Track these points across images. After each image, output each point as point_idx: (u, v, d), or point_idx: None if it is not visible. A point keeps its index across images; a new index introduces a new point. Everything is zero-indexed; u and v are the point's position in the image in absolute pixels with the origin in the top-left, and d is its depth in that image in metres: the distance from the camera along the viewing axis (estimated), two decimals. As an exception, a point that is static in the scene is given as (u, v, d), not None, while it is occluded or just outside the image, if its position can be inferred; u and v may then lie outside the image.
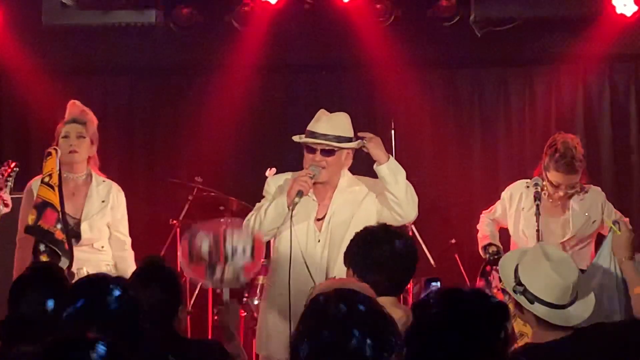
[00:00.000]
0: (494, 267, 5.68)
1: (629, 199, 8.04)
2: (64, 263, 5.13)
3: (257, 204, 5.18)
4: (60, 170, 5.31)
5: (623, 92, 8.32)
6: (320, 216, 5.06)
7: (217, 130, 8.14)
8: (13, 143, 8.35)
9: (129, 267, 5.56)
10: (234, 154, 8.21)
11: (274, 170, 5.84)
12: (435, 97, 8.31)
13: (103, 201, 5.61)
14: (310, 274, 4.77)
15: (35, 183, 5.46)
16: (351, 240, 4.09)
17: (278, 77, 8.49)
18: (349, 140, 5.06)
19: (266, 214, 4.97)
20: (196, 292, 7.48)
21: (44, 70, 8.06)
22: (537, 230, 5.53)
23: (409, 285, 5.28)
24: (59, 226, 5.17)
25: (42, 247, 5.13)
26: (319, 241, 5.00)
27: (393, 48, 8.00)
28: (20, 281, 3.63)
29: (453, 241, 7.73)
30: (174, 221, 7.63)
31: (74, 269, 5.27)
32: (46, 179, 5.25)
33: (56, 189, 5.23)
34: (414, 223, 7.49)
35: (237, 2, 7.83)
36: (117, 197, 5.68)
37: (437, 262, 7.04)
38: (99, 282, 3.00)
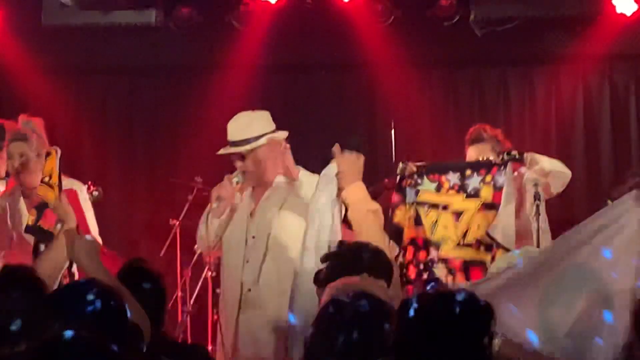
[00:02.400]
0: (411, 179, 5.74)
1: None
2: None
3: (206, 209, 5.30)
4: (60, 170, 5.31)
5: (623, 92, 8.33)
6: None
7: (217, 130, 8.09)
8: (13, 143, 8.34)
9: None
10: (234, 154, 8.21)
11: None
12: (435, 97, 8.31)
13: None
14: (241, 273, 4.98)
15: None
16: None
17: (278, 77, 8.48)
18: (257, 138, 5.08)
19: (211, 223, 5.15)
20: (196, 292, 7.49)
21: (44, 70, 8.06)
22: (537, 230, 5.53)
23: (408, 286, 5.27)
24: (59, 226, 5.17)
25: (42, 248, 5.13)
26: (253, 237, 5.09)
27: (393, 48, 8.00)
28: None
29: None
30: (174, 221, 7.63)
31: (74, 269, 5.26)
32: (46, 179, 5.24)
33: (56, 189, 5.22)
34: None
35: (237, 2, 7.83)
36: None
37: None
38: (80, 289, 2.94)
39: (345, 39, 7.93)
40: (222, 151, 5.19)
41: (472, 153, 6.01)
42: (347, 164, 4.59)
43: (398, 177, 5.75)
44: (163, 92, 8.39)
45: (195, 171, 7.83)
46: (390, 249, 4.46)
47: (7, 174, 5.65)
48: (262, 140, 5.08)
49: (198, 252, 7.65)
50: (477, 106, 8.37)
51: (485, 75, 8.37)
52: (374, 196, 7.65)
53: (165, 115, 8.36)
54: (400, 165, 5.80)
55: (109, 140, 8.23)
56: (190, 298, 7.46)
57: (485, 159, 5.87)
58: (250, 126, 5.14)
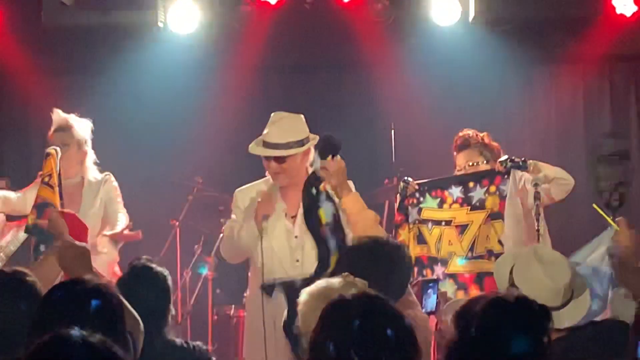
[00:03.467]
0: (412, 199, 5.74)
1: (629, 199, 8.03)
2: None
3: (228, 222, 5.37)
4: (60, 170, 5.32)
5: (623, 92, 8.33)
6: (293, 214, 5.21)
7: (217, 130, 8.14)
8: (13, 143, 8.35)
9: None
10: (234, 154, 8.21)
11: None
12: (435, 97, 8.31)
13: (94, 198, 5.69)
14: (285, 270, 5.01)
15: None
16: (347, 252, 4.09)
17: (278, 77, 8.49)
18: (301, 143, 5.16)
19: (240, 238, 5.17)
20: (196, 292, 7.49)
21: (44, 70, 8.06)
22: (537, 231, 5.53)
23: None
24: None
25: (42, 248, 5.14)
26: (296, 237, 5.16)
27: (393, 48, 8.00)
28: None
29: (453, 241, 7.74)
30: (174, 221, 7.63)
31: None
32: (46, 179, 5.25)
33: (56, 189, 5.24)
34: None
35: (237, 2, 7.83)
36: (107, 188, 5.79)
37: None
38: (78, 289, 2.93)
39: (345, 39, 7.93)
40: (264, 153, 5.20)
41: (461, 160, 6.02)
42: (335, 173, 4.61)
43: (400, 197, 5.77)
44: (163, 92, 8.38)
45: (195, 171, 7.83)
46: None
47: None
48: (306, 146, 5.17)
49: (198, 252, 7.67)
50: (477, 106, 8.37)
51: (484, 75, 8.36)
52: (375, 197, 7.68)
53: (164, 115, 8.35)
54: (402, 184, 5.83)
55: (109, 140, 8.22)
56: (190, 298, 7.47)
57: (474, 164, 5.89)
58: (294, 130, 5.20)
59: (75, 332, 2.20)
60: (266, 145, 5.20)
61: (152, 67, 8.12)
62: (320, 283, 3.30)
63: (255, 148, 5.25)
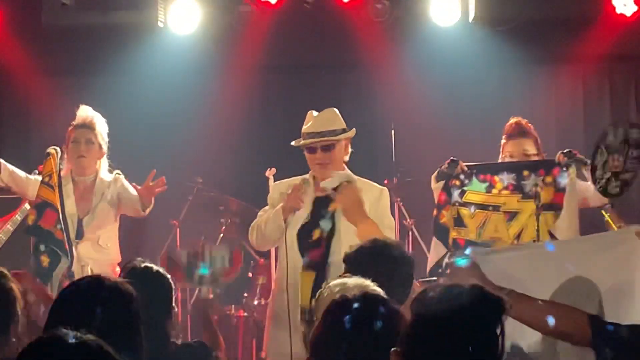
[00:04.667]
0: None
1: (629, 199, 8.03)
2: (64, 263, 5.15)
3: (260, 212, 5.34)
4: (60, 170, 5.32)
5: (623, 92, 8.33)
6: None
7: (217, 130, 8.14)
8: (13, 143, 8.35)
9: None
10: (234, 154, 8.21)
11: (274, 170, 5.86)
12: (435, 97, 8.30)
13: (103, 194, 5.70)
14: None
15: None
16: (356, 250, 4.10)
17: (278, 77, 8.48)
18: (344, 131, 5.23)
19: (266, 227, 5.15)
20: (196, 292, 7.48)
21: (44, 70, 8.06)
22: (537, 230, 5.52)
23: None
24: (59, 226, 5.19)
25: (42, 248, 5.15)
26: None
27: (393, 48, 8.00)
28: None
29: (453, 241, 7.74)
30: (174, 221, 7.63)
31: (78, 265, 5.30)
32: (46, 179, 5.26)
33: (56, 189, 5.24)
34: (415, 223, 7.51)
35: (237, 2, 7.83)
36: (118, 186, 5.83)
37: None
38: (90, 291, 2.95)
39: (345, 39, 7.93)
40: (309, 141, 5.19)
41: (514, 147, 5.85)
42: (348, 198, 4.67)
43: (445, 176, 5.70)
44: (163, 92, 8.38)
45: (195, 171, 7.83)
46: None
47: None
48: (350, 132, 5.24)
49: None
50: (477, 106, 8.37)
51: (485, 75, 8.36)
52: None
53: (164, 115, 8.35)
54: (450, 163, 5.73)
55: (109, 140, 8.22)
56: (191, 298, 7.46)
57: (528, 153, 5.73)
58: (337, 120, 5.28)
59: (69, 331, 2.20)
60: (311, 136, 5.20)
61: (152, 67, 8.12)
62: (336, 283, 3.33)
63: (300, 141, 5.26)
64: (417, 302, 2.46)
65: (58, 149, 5.44)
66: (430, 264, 5.66)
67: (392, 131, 7.61)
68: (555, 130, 8.33)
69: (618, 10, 7.57)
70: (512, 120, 5.96)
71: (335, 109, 5.34)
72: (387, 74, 8.16)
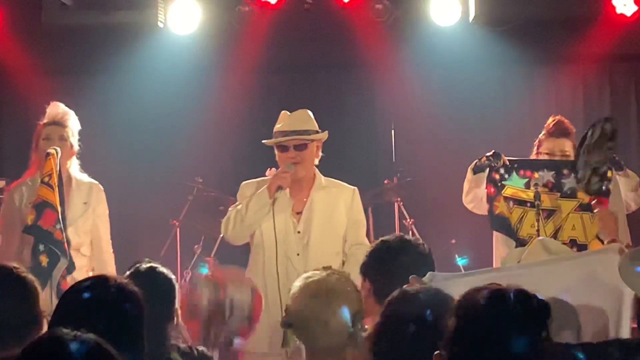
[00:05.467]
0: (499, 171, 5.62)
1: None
2: (63, 263, 5.14)
3: (231, 207, 5.34)
4: (60, 170, 5.31)
5: (623, 92, 8.33)
6: (298, 210, 5.25)
7: (217, 130, 8.14)
8: (13, 143, 8.35)
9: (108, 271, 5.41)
10: (234, 154, 8.21)
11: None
12: (435, 97, 8.31)
13: (85, 203, 5.56)
14: (292, 264, 5.07)
15: (16, 188, 5.49)
16: (368, 252, 4.09)
17: (278, 77, 8.49)
18: (317, 132, 5.26)
19: (248, 208, 5.15)
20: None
21: (44, 70, 8.06)
22: (537, 230, 5.51)
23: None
24: (58, 226, 5.17)
25: (41, 247, 5.13)
26: (298, 232, 5.20)
27: (393, 48, 8.00)
28: None
29: (453, 241, 7.74)
30: (174, 221, 7.63)
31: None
32: (46, 179, 5.25)
33: (56, 189, 5.23)
34: (415, 223, 7.52)
35: (237, 2, 7.83)
36: (97, 197, 5.61)
37: (437, 262, 7.03)
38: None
39: (345, 39, 7.93)
40: (283, 139, 5.22)
41: (554, 145, 5.74)
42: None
43: (484, 168, 5.64)
44: (163, 92, 8.38)
45: (195, 171, 7.83)
46: None
47: None
48: (323, 134, 5.28)
49: (198, 252, 7.67)
50: (477, 106, 8.37)
51: (485, 75, 8.37)
52: (375, 197, 7.68)
53: (164, 115, 8.35)
54: (493, 155, 5.67)
55: (109, 140, 8.22)
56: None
57: (566, 153, 5.66)
58: (310, 121, 5.32)
59: (69, 330, 2.20)
60: (285, 134, 5.24)
61: (152, 67, 8.12)
62: (307, 276, 3.34)
63: (272, 140, 5.29)
64: (462, 306, 2.46)
65: (58, 149, 5.40)
66: (498, 258, 5.56)
67: (392, 131, 7.61)
68: (555, 130, 8.33)
69: (618, 10, 7.57)
70: (556, 117, 5.85)
71: (309, 111, 5.37)
72: (387, 74, 8.17)
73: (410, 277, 3.43)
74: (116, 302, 2.90)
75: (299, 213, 5.25)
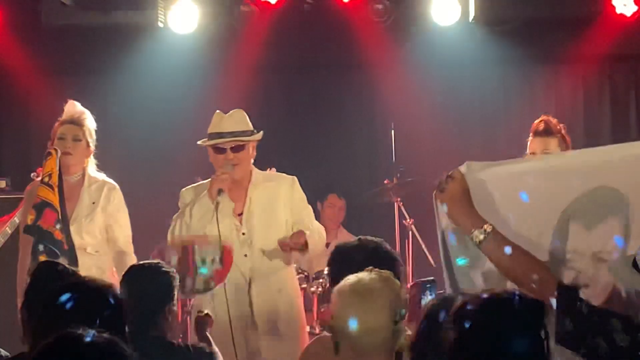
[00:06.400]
0: None
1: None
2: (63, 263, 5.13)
3: (175, 216, 5.38)
4: (60, 170, 5.31)
5: (623, 92, 8.33)
6: (239, 211, 5.26)
7: (217, 131, 8.12)
8: (13, 143, 8.35)
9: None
10: (234, 154, 8.21)
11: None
12: (435, 97, 8.31)
13: (93, 203, 5.56)
14: (238, 267, 5.12)
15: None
16: (328, 261, 4.09)
17: (278, 77, 8.49)
18: (252, 132, 5.29)
19: (192, 215, 5.20)
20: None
21: (44, 70, 8.06)
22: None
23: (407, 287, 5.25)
24: (58, 226, 5.17)
25: (41, 248, 5.13)
26: (243, 234, 5.22)
27: (393, 48, 8.00)
28: None
29: (453, 241, 7.72)
30: (174, 221, 7.61)
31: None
32: (46, 179, 5.25)
33: (56, 189, 5.23)
34: (414, 223, 7.51)
35: (237, 2, 7.83)
36: (107, 197, 5.61)
37: (437, 262, 7.03)
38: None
39: (345, 39, 7.93)
40: (220, 141, 5.25)
41: (538, 145, 5.76)
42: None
43: None
44: (163, 92, 8.38)
45: (195, 171, 7.82)
46: None
47: None
48: (259, 135, 5.29)
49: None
50: (477, 106, 8.37)
51: (485, 75, 8.37)
52: (375, 197, 7.68)
53: (164, 115, 8.35)
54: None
55: (109, 140, 8.22)
56: (191, 298, 7.46)
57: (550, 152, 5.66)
58: (246, 121, 5.33)
59: (83, 331, 2.20)
60: (222, 136, 5.24)
61: (152, 67, 8.12)
62: (350, 279, 3.32)
63: (209, 142, 5.29)
64: (458, 316, 2.47)
65: (58, 149, 5.41)
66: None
67: (392, 131, 7.60)
68: (555, 130, 8.33)
69: (618, 10, 7.57)
70: (542, 117, 5.88)
71: (243, 111, 5.38)
72: (387, 74, 8.16)
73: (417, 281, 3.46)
74: (89, 306, 2.85)
75: (241, 214, 5.26)
